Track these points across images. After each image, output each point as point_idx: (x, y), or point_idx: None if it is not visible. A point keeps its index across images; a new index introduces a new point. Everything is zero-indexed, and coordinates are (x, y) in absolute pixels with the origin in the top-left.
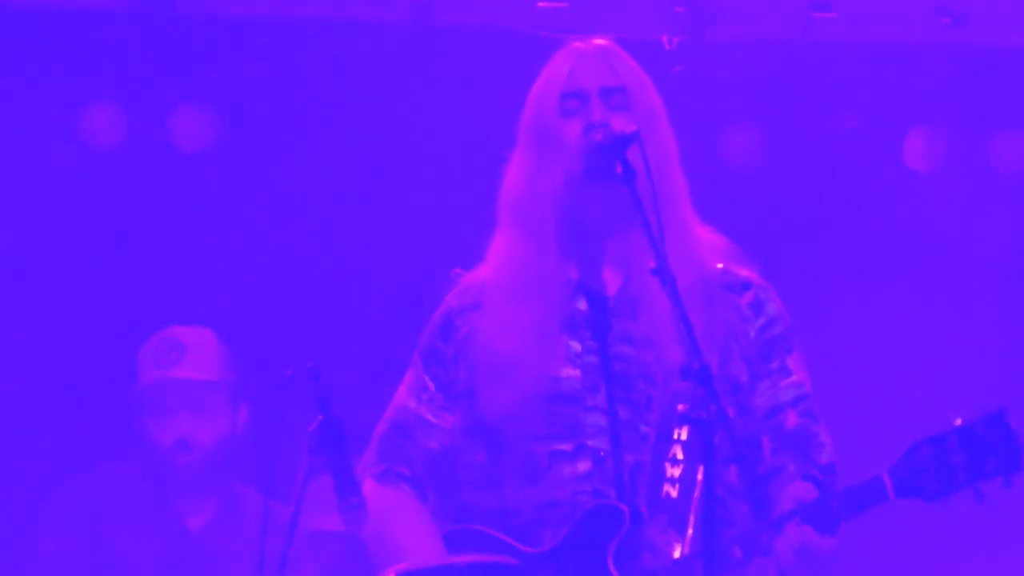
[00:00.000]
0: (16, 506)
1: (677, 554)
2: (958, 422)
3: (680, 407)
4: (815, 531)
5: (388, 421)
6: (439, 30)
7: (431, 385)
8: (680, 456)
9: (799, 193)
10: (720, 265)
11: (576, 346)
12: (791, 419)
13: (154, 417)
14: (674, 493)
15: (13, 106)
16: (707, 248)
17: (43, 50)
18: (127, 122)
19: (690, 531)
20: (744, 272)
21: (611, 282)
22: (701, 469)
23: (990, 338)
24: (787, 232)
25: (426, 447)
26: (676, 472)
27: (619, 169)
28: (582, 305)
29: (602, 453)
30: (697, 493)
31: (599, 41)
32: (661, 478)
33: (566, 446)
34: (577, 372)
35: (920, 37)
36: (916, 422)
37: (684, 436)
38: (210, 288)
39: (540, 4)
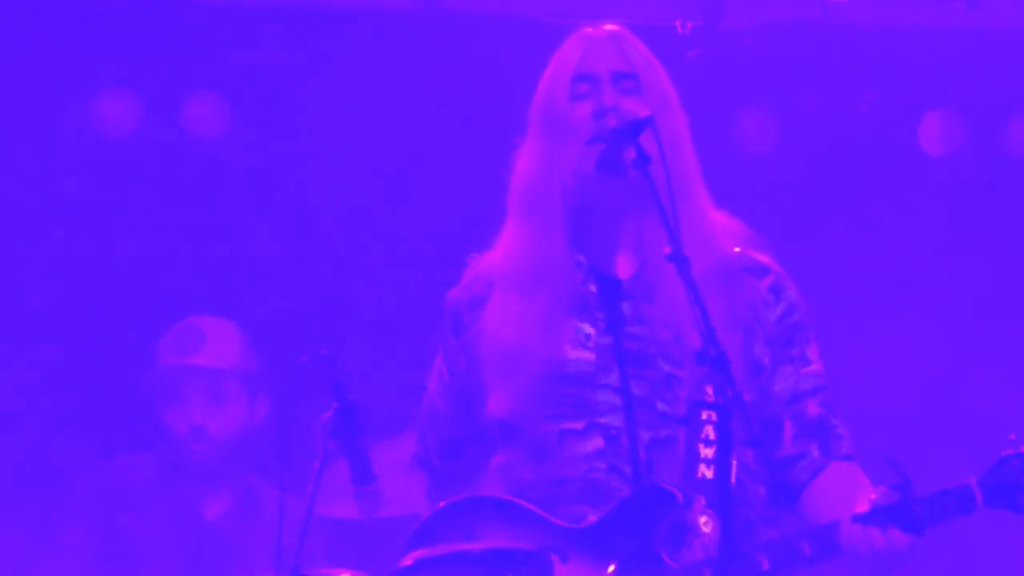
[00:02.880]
0: (35, 496)
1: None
2: None
3: (709, 388)
4: (901, 531)
5: (421, 405)
6: (451, 17)
7: (446, 375)
8: (712, 437)
9: (814, 178)
10: (737, 249)
11: (588, 329)
12: (811, 408)
13: (170, 404)
14: (709, 474)
15: (26, 94)
16: (723, 232)
17: (56, 37)
18: (140, 110)
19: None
20: (762, 257)
21: (625, 266)
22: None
23: (1006, 325)
24: (802, 217)
25: (442, 434)
26: (710, 453)
27: (633, 154)
28: (594, 289)
29: (613, 431)
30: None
31: (610, 26)
32: (696, 459)
33: (576, 425)
34: (589, 355)
35: (935, 20)
36: (931, 412)
37: (715, 417)
38: (224, 277)
39: None
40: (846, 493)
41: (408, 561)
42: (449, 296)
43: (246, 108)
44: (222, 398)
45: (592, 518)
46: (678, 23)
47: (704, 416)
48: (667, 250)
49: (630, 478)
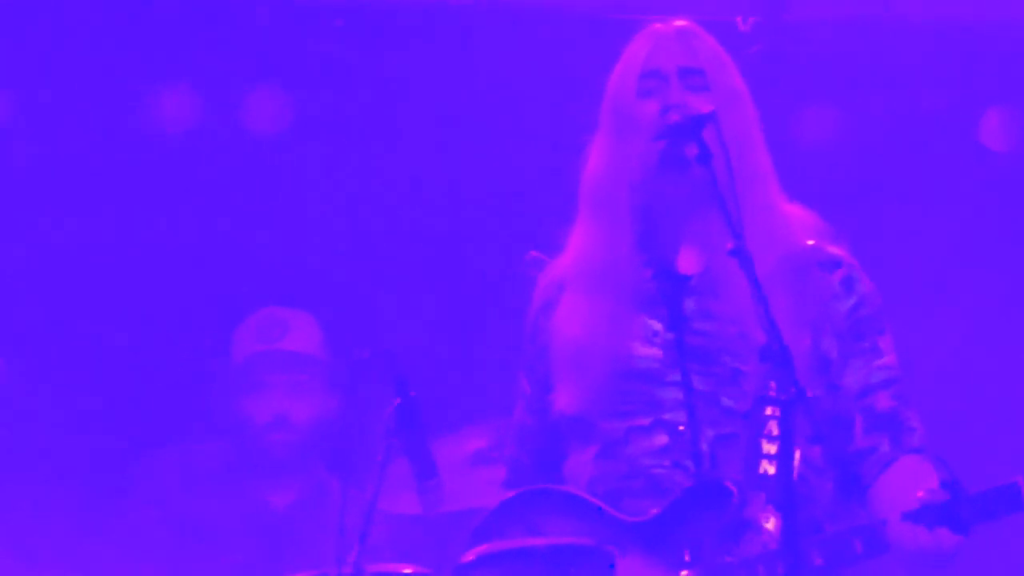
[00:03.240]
0: (105, 482)
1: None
2: None
3: (773, 384)
4: (949, 531)
5: (511, 430)
6: (516, 12)
7: (527, 387)
8: (776, 433)
9: (876, 174)
10: (811, 242)
11: (656, 325)
12: (882, 401)
13: (252, 392)
14: (772, 470)
15: (87, 89)
16: (796, 225)
17: (117, 32)
18: (201, 105)
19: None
20: (835, 250)
21: (692, 262)
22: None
23: None
24: (863, 214)
25: (540, 452)
26: (772, 449)
27: (695, 150)
28: (661, 285)
29: (680, 427)
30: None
31: (679, 23)
32: (758, 455)
33: (643, 421)
34: (656, 351)
35: (998, 14)
36: (982, 408)
37: (779, 413)
38: (285, 272)
39: None
40: (913, 487)
41: (470, 556)
42: (528, 310)
43: (307, 103)
44: (303, 387)
45: (652, 512)
46: (739, 19)
47: (768, 412)
48: (730, 246)
49: (694, 474)
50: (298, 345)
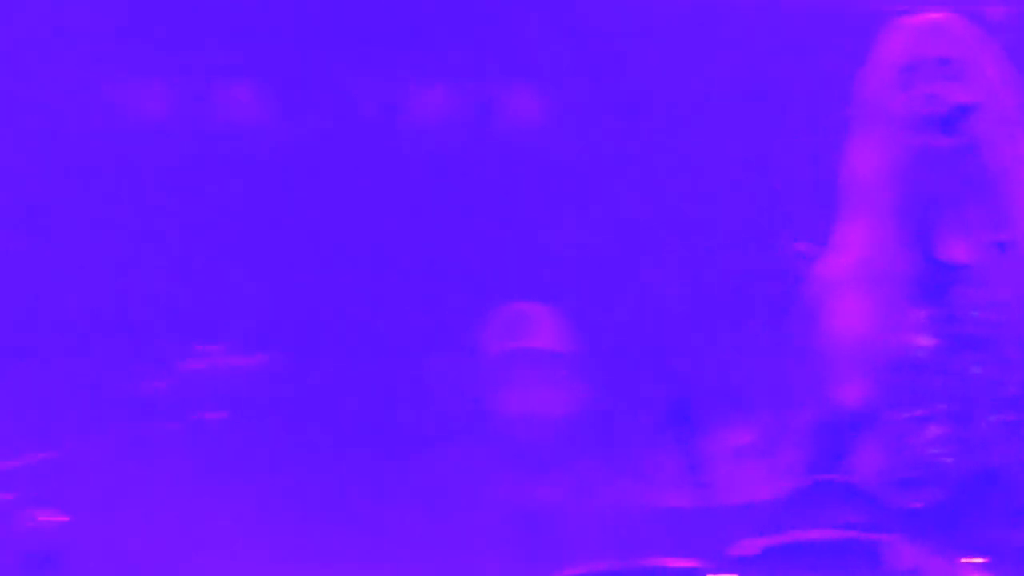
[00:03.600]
0: (366, 481)
1: None
2: None
3: None
4: None
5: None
6: (768, 6)
7: (806, 382)
8: None
9: None
10: None
11: (930, 316)
12: None
13: (503, 390)
14: None
15: (344, 85)
16: None
17: (372, 26)
18: (452, 97)
19: None
20: None
21: (963, 252)
22: None
23: None
24: None
25: (809, 438)
26: None
27: (958, 141)
28: (933, 275)
29: (958, 416)
30: None
31: (934, 14)
32: None
33: (923, 411)
34: (933, 341)
35: None
36: None
37: None
38: (542, 265)
39: None
40: None
41: (755, 549)
42: (801, 306)
43: (561, 97)
44: (555, 383)
45: (927, 502)
46: (991, 10)
47: None
48: (997, 235)
49: (973, 463)
50: (547, 342)
